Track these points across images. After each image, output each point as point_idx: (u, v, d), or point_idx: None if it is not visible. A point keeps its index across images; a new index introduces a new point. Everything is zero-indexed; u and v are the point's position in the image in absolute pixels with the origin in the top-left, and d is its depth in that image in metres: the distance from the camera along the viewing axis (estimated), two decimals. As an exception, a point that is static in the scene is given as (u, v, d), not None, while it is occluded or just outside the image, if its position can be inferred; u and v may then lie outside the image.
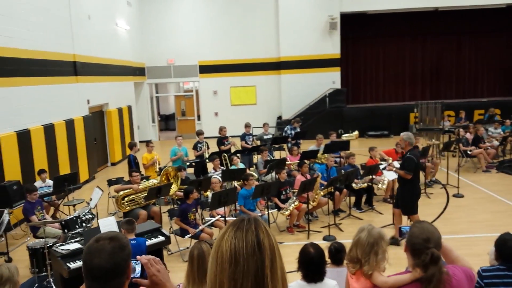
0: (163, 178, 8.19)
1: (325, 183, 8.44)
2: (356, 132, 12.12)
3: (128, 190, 7.96)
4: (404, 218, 6.99)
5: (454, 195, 9.53)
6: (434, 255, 2.42)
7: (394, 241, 6.68)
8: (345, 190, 8.61)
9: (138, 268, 1.87)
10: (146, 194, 7.70)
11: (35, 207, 7.23)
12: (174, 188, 8.21)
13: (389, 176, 7.90)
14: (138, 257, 1.87)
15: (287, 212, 7.71)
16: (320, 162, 10.28)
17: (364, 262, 3.14)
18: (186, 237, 6.87)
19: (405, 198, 6.76)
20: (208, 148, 11.08)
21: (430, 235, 2.52)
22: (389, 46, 21.16)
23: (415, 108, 16.24)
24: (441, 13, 19.88)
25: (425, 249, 2.46)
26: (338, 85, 19.38)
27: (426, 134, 13.12)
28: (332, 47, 19.27)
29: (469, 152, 11.70)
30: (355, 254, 3.23)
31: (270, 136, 12.51)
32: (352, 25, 19.99)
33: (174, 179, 8.31)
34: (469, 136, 12.22)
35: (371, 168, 8.72)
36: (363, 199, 8.98)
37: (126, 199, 7.97)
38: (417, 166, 6.68)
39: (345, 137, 11.76)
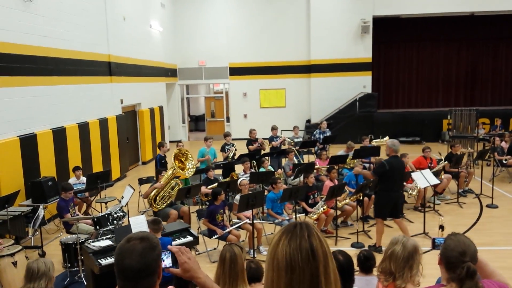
0: (176, 162, 8.29)
1: (353, 190, 8.35)
2: (386, 138, 11.89)
3: (155, 191, 8.11)
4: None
5: (487, 206, 9.26)
6: (470, 269, 2.35)
7: (376, 249, 6.79)
8: (374, 196, 8.49)
9: (168, 261, 1.91)
10: (172, 185, 7.94)
11: (69, 205, 7.43)
12: (191, 168, 8.31)
13: (421, 184, 7.75)
14: (169, 246, 1.90)
15: (315, 216, 7.67)
16: (349, 167, 10.17)
17: (398, 277, 3.08)
18: (213, 237, 6.92)
19: (378, 202, 7.09)
20: (235, 150, 11.14)
21: (466, 248, 2.45)
22: (423, 50, 20.75)
23: (448, 115, 15.88)
24: (477, 18, 19.37)
25: (460, 263, 2.39)
26: (369, 90, 19.14)
27: (460, 142, 12.80)
28: (364, 51, 19.06)
29: (504, 162, 11.35)
30: (388, 267, 3.17)
31: (300, 139, 12.47)
32: (385, 29, 19.71)
33: (187, 160, 8.41)
34: (504, 145, 11.85)
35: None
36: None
37: (157, 198, 8.13)
38: (390, 174, 6.71)
39: (375, 142, 11.57)
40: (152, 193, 8.09)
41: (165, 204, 8.09)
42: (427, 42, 20.55)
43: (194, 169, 8.59)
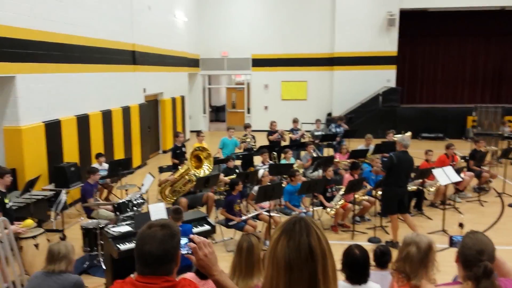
0: (192, 162, 8.31)
1: (371, 187, 8.30)
2: (409, 133, 11.72)
3: (164, 184, 8.21)
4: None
5: (509, 205, 9.07)
6: (487, 268, 2.32)
7: (393, 244, 6.66)
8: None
9: (187, 247, 1.94)
10: (184, 181, 8.00)
11: (93, 190, 7.59)
12: (207, 169, 8.33)
13: (442, 180, 7.63)
14: (191, 236, 1.94)
15: (333, 212, 7.65)
16: (368, 162, 10.09)
17: (413, 277, 3.06)
18: (230, 224, 6.97)
19: (383, 198, 7.09)
20: (255, 141, 11.16)
21: (484, 247, 2.42)
22: (450, 45, 20.31)
23: (473, 112, 15.56)
24: (507, 13, 18.82)
25: (478, 261, 2.36)
26: (393, 84, 18.86)
27: (484, 140, 12.54)
28: (389, 44, 18.76)
29: (529, 161, 11.06)
30: (403, 268, 3.14)
31: (321, 133, 12.42)
32: (412, 22, 19.33)
33: (206, 160, 8.40)
34: (530, 143, 11.55)
35: (422, 171, 8.46)
36: (412, 203, 8.74)
37: (167, 192, 8.23)
38: (397, 168, 6.69)
39: (397, 138, 11.43)
40: (163, 186, 8.21)
41: (175, 198, 8.16)
42: (454, 36, 20.10)
43: (210, 170, 8.47)
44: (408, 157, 6.89)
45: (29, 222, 5.52)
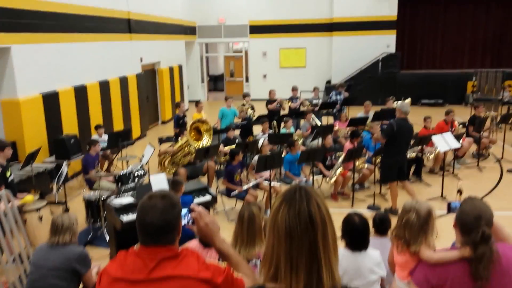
0: (192, 134, 8.33)
1: (371, 154, 8.32)
2: (408, 100, 11.66)
3: (164, 155, 8.25)
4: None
5: (508, 170, 9.14)
6: (485, 233, 2.36)
7: (392, 212, 6.76)
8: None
9: (189, 217, 1.97)
10: (183, 153, 8.03)
11: (95, 161, 7.62)
12: (206, 142, 8.38)
13: (441, 147, 7.65)
14: (191, 205, 1.96)
15: (332, 180, 7.70)
16: (368, 129, 10.08)
17: (412, 243, 3.12)
18: (232, 194, 7.04)
19: (383, 165, 7.10)
20: (253, 110, 11.12)
21: (482, 213, 2.45)
22: (450, 9, 19.93)
23: (473, 76, 15.44)
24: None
25: (476, 227, 2.40)
26: (392, 49, 18.64)
27: (484, 105, 12.51)
28: (388, 9, 18.44)
29: (529, 126, 11.08)
30: (402, 234, 3.19)
31: (319, 101, 12.37)
32: (412, -14, 18.96)
33: (206, 132, 8.43)
34: (530, 108, 11.53)
35: (422, 138, 8.47)
36: (412, 170, 8.79)
37: (166, 163, 8.26)
38: (397, 135, 6.68)
39: (397, 104, 11.39)
40: (162, 156, 8.25)
41: (174, 169, 8.21)
42: (455, 1, 19.70)
43: (209, 143, 8.53)
44: (408, 124, 6.88)
45: (29, 198, 5.56)
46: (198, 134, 8.50)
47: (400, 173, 6.96)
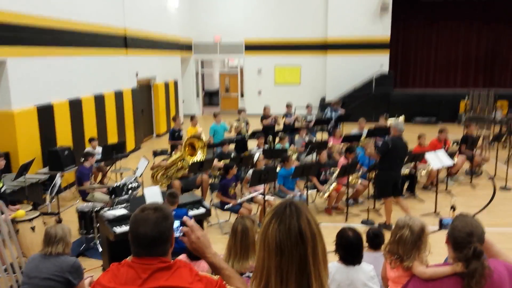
0: (186, 149, 8.36)
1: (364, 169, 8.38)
2: (402, 117, 11.81)
3: (157, 168, 8.25)
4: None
5: (501, 188, 9.21)
6: (477, 250, 2.39)
7: (386, 227, 6.77)
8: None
9: (180, 229, 1.98)
10: (177, 167, 8.05)
11: (89, 173, 7.60)
12: (200, 158, 8.41)
13: (434, 164, 7.71)
14: (184, 218, 1.98)
15: (326, 195, 7.72)
16: (362, 146, 10.15)
17: (406, 259, 3.14)
18: (226, 207, 7.03)
19: (377, 181, 7.25)
20: (247, 124, 11.17)
21: (474, 229, 2.48)
22: (442, 30, 20.30)
23: (466, 96, 15.63)
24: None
25: (467, 243, 2.42)
26: (386, 69, 18.88)
27: (476, 124, 12.66)
28: (382, 30, 18.73)
29: (521, 145, 11.18)
30: (396, 250, 3.21)
31: (313, 117, 12.46)
32: (405, 7, 19.31)
33: (201, 149, 8.47)
34: (522, 128, 11.67)
35: (415, 155, 8.54)
36: (405, 186, 8.84)
37: (159, 176, 8.26)
38: (391, 153, 6.77)
39: (391, 122, 11.51)
40: (156, 169, 8.25)
41: (168, 182, 8.20)
42: (447, 21, 20.09)
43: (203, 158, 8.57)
44: (402, 142, 6.98)
45: (21, 212, 5.52)
46: (193, 149, 8.53)
47: (394, 189, 7.02)
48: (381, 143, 10.15)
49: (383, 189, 7.06)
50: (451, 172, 9.39)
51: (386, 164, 6.89)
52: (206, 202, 6.53)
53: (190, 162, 8.01)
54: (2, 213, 4.68)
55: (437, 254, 3.57)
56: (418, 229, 3.23)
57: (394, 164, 6.92)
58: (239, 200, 7.01)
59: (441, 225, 2.95)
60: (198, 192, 7.94)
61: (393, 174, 6.96)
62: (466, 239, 2.45)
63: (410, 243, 3.19)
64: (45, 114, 8.60)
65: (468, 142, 9.71)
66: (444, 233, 2.69)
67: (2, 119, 7.78)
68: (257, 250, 1.58)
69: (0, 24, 7.43)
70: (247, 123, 11.22)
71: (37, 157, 8.12)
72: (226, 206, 7.01)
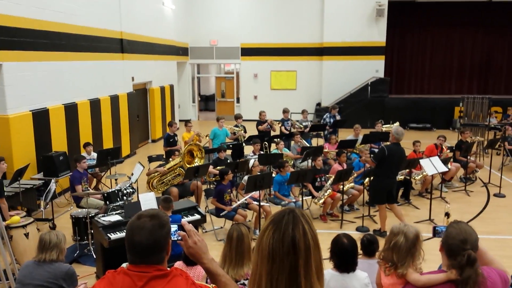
0: (185, 157, 8.39)
1: (359, 173, 8.40)
2: (397, 123, 11.86)
3: (153, 174, 8.23)
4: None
5: (495, 195, 9.25)
6: (471, 257, 2.40)
7: (381, 234, 6.80)
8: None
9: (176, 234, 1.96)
10: (174, 174, 8.04)
11: (82, 177, 7.57)
12: (198, 163, 8.45)
13: (429, 170, 7.74)
14: (183, 221, 1.97)
15: (321, 201, 7.73)
16: (357, 152, 10.19)
17: (400, 266, 3.15)
18: (221, 215, 7.02)
19: (372, 188, 7.23)
20: (245, 132, 11.17)
21: (468, 236, 2.49)
22: (438, 36, 20.45)
23: (460, 102, 15.70)
24: (494, 4, 19.00)
25: (461, 250, 2.44)
26: (381, 74, 18.98)
27: (471, 130, 12.72)
28: (378, 35, 18.83)
29: (514, 151, 11.26)
30: (390, 257, 3.22)
31: (308, 123, 12.48)
32: (400, 12, 19.44)
33: (198, 158, 8.50)
34: (516, 134, 11.74)
35: (410, 161, 8.57)
36: (400, 193, 8.86)
37: (155, 182, 8.25)
38: (388, 160, 6.70)
39: (385, 128, 11.54)
40: (149, 177, 8.23)
41: (163, 189, 8.19)
42: (442, 27, 20.23)
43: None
44: (400, 149, 6.89)
45: (16, 218, 5.50)
46: (191, 157, 8.54)
47: (389, 196, 7.02)
48: (377, 149, 10.23)
49: (378, 195, 7.05)
50: (445, 178, 9.43)
51: (382, 171, 6.86)
52: (201, 209, 6.53)
53: (185, 169, 8.01)
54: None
55: (431, 261, 3.59)
56: (413, 236, 3.25)
57: (389, 171, 6.88)
58: (233, 206, 7.01)
59: (435, 233, 2.96)
60: (192, 199, 7.93)
61: (388, 181, 6.93)
62: (460, 246, 2.47)
63: (404, 250, 3.20)
64: (40, 118, 8.57)
65: (462, 149, 9.77)
66: (438, 241, 2.70)
67: (-3, 124, 7.75)
68: (253, 255, 1.61)
69: (-4, 28, 7.42)
70: (245, 131, 11.22)
71: (31, 162, 8.08)
72: (221, 214, 7.00)
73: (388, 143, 7.90)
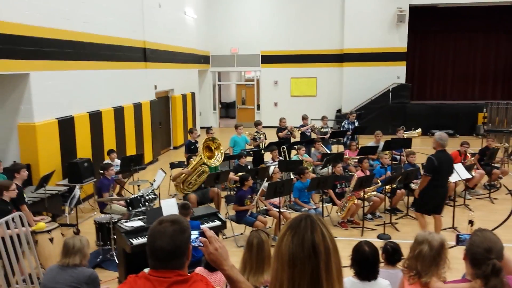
0: (205, 152, 8.45)
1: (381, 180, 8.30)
2: (419, 130, 11.72)
3: (183, 175, 8.32)
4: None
5: (520, 202, 9.03)
6: (496, 266, 2.35)
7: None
8: (403, 190, 8.39)
9: (199, 240, 1.97)
10: (198, 172, 8.11)
11: (110, 185, 7.71)
12: (219, 159, 8.49)
13: (452, 177, 7.60)
14: (202, 227, 1.99)
15: (343, 214, 7.66)
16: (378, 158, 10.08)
17: (424, 275, 3.09)
18: (241, 220, 7.05)
19: (423, 196, 6.67)
20: (265, 138, 11.20)
21: (492, 245, 2.44)
22: (460, 41, 20.14)
23: (484, 108, 15.43)
24: (519, 8, 18.63)
25: (486, 259, 2.39)
26: (403, 80, 18.77)
27: (495, 136, 12.46)
28: (399, 41, 18.66)
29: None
30: (414, 266, 3.16)
31: (328, 129, 12.43)
32: (421, 18, 19.21)
33: (217, 150, 8.56)
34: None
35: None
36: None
37: (184, 183, 8.33)
38: (438, 169, 6.43)
39: (406, 134, 11.41)
40: (179, 178, 8.32)
41: (191, 189, 8.27)
42: (464, 32, 19.92)
43: (222, 159, 8.68)
44: (447, 155, 6.65)
45: (42, 225, 5.62)
46: (210, 151, 8.61)
47: (438, 206, 6.71)
48: (398, 156, 10.11)
49: (426, 205, 6.71)
50: (468, 186, 9.25)
51: (433, 180, 6.49)
52: (221, 215, 6.56)
53: (209, 165, 8.19)
54: (23, 226, 4.77)
55: (454, 270, 3.52)
56: (438, 244, 3.18)
57: (441, 180, 6.56)
58: (254, 201, 7.11)
59: (458, 241, 2.91)
60: (212, 206, 7.97)
61: (440, 190, 6.63)
62: (484, 255, 2.42)
63: (428, 259, 3.15)
64: (66, 126, 8.78)
65: (486, 155, 9.58)
66: (461, 249, 2.66)
67: (24, 131, 7.97)
68: (272, 262, 1.61)
69: (23, 38, 7.65)
70: (265, 137, 11.26)
71: (57, 169, 8.27)
72: (241, 221, 7.03)
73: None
